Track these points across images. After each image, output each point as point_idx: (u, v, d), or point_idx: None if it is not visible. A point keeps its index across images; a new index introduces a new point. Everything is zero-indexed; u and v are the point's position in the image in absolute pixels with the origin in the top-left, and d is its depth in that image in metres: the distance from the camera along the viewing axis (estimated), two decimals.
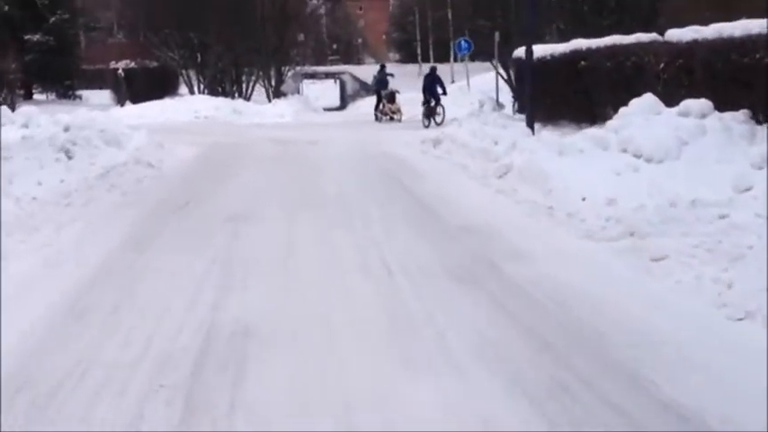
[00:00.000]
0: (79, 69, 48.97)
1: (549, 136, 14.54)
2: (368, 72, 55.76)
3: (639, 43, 16.13)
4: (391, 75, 32.73)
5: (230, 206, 11.42)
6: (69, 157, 14.23)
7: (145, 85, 39.51)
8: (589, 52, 17.91)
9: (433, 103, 28.03)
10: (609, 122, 12.70)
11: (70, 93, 48.58)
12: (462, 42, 34.52)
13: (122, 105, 37.15)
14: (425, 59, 63.07)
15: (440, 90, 28.35)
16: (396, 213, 10.75)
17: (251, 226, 9.94)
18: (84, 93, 48.49)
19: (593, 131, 12.98)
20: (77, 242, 9.13)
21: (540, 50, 21.02)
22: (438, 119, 27.60)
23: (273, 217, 10.56)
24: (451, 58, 58.93)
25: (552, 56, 19.57)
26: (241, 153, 19.95)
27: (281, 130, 28.27)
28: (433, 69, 29.89)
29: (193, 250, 8.59)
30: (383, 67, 33.86)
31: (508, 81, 34.36)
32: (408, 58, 67.05)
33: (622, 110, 12.52)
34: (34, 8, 44.31)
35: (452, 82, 50.01)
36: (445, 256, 8.27)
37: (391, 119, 31.23)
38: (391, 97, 31.43)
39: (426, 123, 27.61)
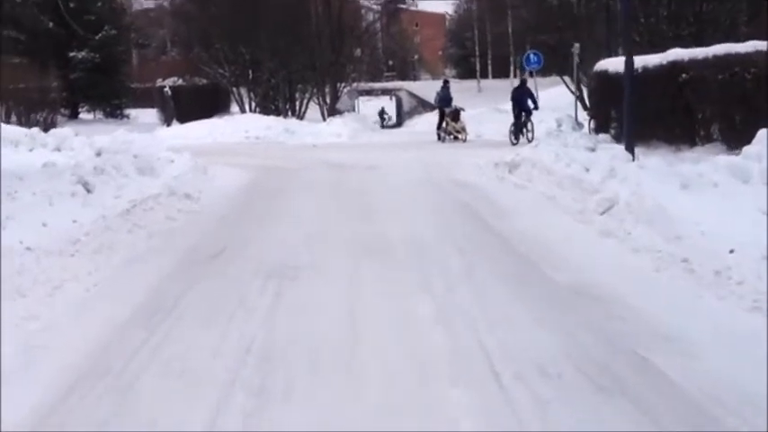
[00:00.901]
0: (127, 88, 47.25)
1: (656, 163, 12.14)
2: (424, 88, 54.24)
3: (759, 52, 13.71)
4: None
5: (275, 255, 9.20)
6: (88, 191, 12.09)
7: (194, 104, 37.65)
8: (693, 64, 15.49)
9: (523, 118, 26.70)
10: (747, 148, 10.25)
11: (118, 112, 46.90)
12: (531, 56, 32.08)
13: (169, 125, 35.30)
14: (483, 75, 61.06)
15: (531, 104, 26.97)
16: (483, 266, 8.44)
17: (299, 288, 7.68)
18: (134, 112, 46.81)
19: (726, 159, 10.55)
20: (70, 315, 6.92)
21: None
22: (529, 135, 25.87)
23: (328, 273, 8.28)
24: (511, 74, 57.04)
25: (644, 68, 17.13)
26: (291, 180, 17.78)
27: (337, 151, 26.10)
28: (524, 82, 28.06)
29: (219, 331, 6.34)
30: (446, 82, 31.56)
31: (579, 97, 31.99)
32: (465, 73, 65.00)
33: (762, 133, 10.07)
34: (80, 24, 42.61)
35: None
36: (569, 342, 5.93)
37: (455, 138, 28.94)
38: (456, 115, 29.12)
39: (515, 140, 26.23)
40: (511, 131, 26.94)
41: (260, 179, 18.23)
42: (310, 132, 31.43)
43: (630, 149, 13.41)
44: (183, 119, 35.69)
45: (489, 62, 63.04)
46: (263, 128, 31.40)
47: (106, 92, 45.75)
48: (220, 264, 8.87)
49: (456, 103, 29.92)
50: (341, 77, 40.60)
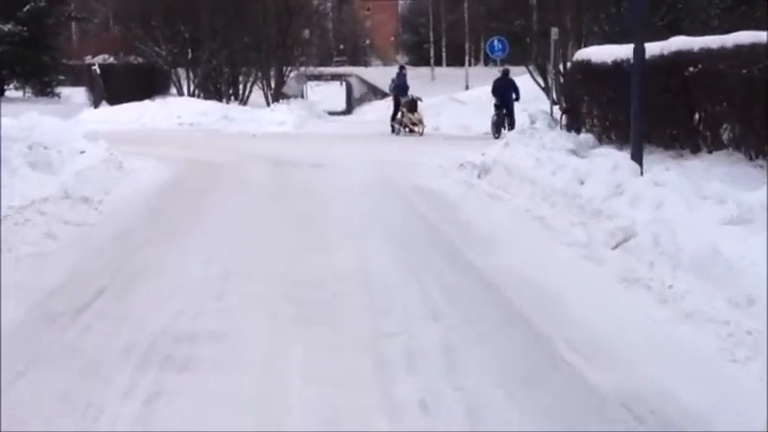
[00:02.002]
0: (59, 64, 43.70)
1: (674, 178, 9.50)
2: (376, 74, 52.52)
3: None
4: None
5: (168, 311, 6.39)
6: None
7: (127, 85, 34.41)
8: (704, 55, 12.87)
9: (505, 111, 25.21)
10: None
11: (48, 90, 43.43)
12: (495, 42, 29.37)
13: (96, 107, 32.15)
14: (438, 63, 58.84)
15: (513, 96, 25.52)
16: (472, 342, 5.72)
17: (186, 393, 4.87)
18: (68, 91, 43.21)
19: None
20: None
21: (613, 53, 16.08)
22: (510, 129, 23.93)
23: (239, 356, 5.48)
24: (466, 62, 54.85)
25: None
26: (220, 181, 14.95)
27: (279, 142, 23.23)
28: (506, 72, 26.02)
29: None
30: (402, 68, 28.74)
31: (545, 89, 29.46)
32: (418, 61, 62.73)
33: None
34: None
35: (467, 89, 45.80)
36: None
37: (411, 131, 26.19)
38: (412, 105, 26.34)
39: (497, 134, 24.46)
40: (493, 124, 25.30)
41: (184, 177, 15.39)
42: (251, 119, 28.47)
43: (638, 159, 10.75)
44: (115, 100, 32.46)
45: (444, 49, 60.94)
46: (199, 113, 28.38)
47: (35, 68, 42.22)
48: (80, 328, 6.02)
49: (411, 91, 27.23)
50: (288, 60, 37.57)
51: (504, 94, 25.09)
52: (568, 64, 30.77)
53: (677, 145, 14.11)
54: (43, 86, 43.63)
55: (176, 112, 28.22)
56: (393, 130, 26.64)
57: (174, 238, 9.45)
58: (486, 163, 15.00)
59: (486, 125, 26.04)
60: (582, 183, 11.00)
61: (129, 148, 19.57)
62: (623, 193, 9.71)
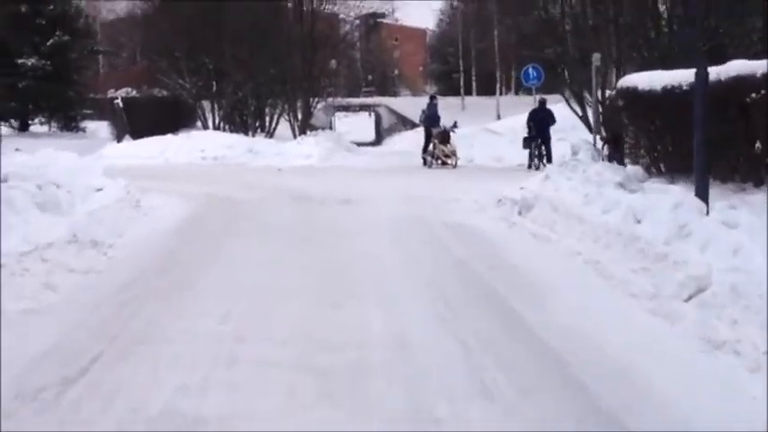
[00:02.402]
0: (83, 98, 43.11)
1: (750, 218, 8.41)
2: (405, 104, 51.72)
3: None
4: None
5: (175, 382, 5.40)
6: None
7: (152, 118, 33.66)
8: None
9: (540, 141, 24.41)
10: None
11: (73, 125, 42.84)
12: (530, 70, 28.36)
13: (119, 141, 31.38)
14: (467, 92, 57.86)
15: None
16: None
17: None
18: (93, 125, 42.74)
19: None
20: None
21: (663, 79, 15.10)
22: (544, 161, 23.65)
23: None
24: (497, 91, 53.94)
25: (692, 87, 13.37)
26: (241, 220, 13.96)
27: (306, 176, 22.28)
28: (543, 102, 24.93)
29: None
30: (433, 98, 27.71)
31: (583, 118, 28.38)
32: (448, 90, 61.72)
33: None
34: (30, 28, 38.77)
35: (498, 118, 44.87)
36: None
37: (443, 163, 25.16)
38: (445, 137, 25.31)
39: (534, 165, 23.82)
40: (531, 156, 24.34)
41: (203, 216, 14.43)
42: (277, 153, 27.53)
43: (703, 195, 9.66)
44: (139, 134, 31.73)
45: (473, 78, 59.92)
46: (223, 147, 27.52)
47: (60, 103, 41.73)
48: (62, 410, 5.01)
49: (443, 122, 26.25)
50: (314, 91, 36.67)
51: (542, 124, 24.05)
52: (607, 91, 29.88)
53: (737, 177, 13.05)
54: (68, 121, 43.17)
55: (200, 146, 27.38)
56: (425, 163, 25.63)
57: (185, 290, 8.44)
58: (528, 198, 13.94)
59: (522, 157, 25.08)
60: (638, 222, 9.91)
61: (150, 183, 18.75)
62: (690, 235, 8.62)
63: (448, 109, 48.22)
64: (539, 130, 24.00)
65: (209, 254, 10.60)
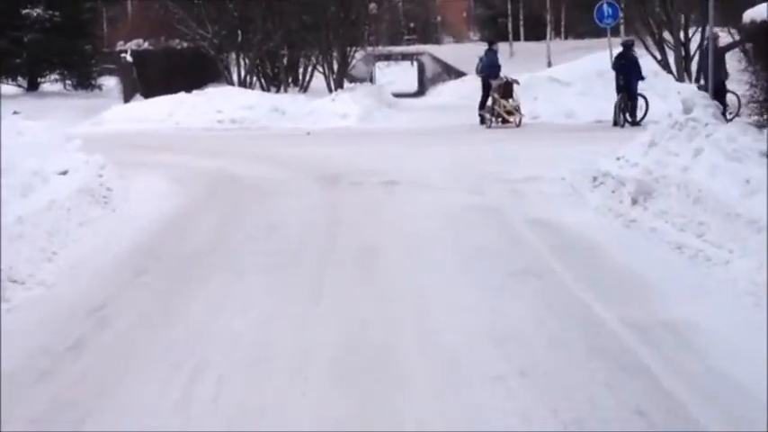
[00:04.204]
0: (97, 52, 39.08)
1: None
2: (449, 52, 48.51)
3: None
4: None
5: None
6: None
7: (169, 74, 29.59)
8: None
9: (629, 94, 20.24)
10: None
11: (87, 82, 38.91)
12: (605, 7, 23.85)
13: (127, 101, 27.40)
14: (516, 38, 53.73)
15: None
16: None
17: None
18: (111, 81, 38.68)
19: None
20: None
21: None
22: (639, 113, 20.04)
23: None
24: (548, 36, 49.78)
25: None
26: (245, 217, 9.99)
27: (339, 144, 18.21)
28: (629, 45, 20.91)
29: None
30: (492, 44, 23.31)
31: (662, 63, 24.12)
32: (493, 36, 57.56)
33: None
34: None
35: (549, 65, 40.71)
36: None
37: (504, 121, 20.97)
38: (507, 89, 20.96)
39: (621, 123, 19.84)
40: (618, 111, 20.00)
41: (191, 215, 10.50)
42: (308, 112, 23.32)
43: None
44: (153, 92, 27.57)
45: (521, 23, 55.83)
46: (243, 107, 23.26)
47: (72, 58, 37.80)
48: None
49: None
50: (352, 40, 32.43)
51: (627, 74, 19.78)
52: (690, 30, 25.56)
53: None
54: (82, 78, 39.16)
55: (216, 107, 23.22)
56: (482, 121, 21.35)
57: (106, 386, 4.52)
58: (645, 182, 9.87)
59: (596, 111, 20.92)
60: None
61: (145, 157, 15.08)
62: None
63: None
64: (625, 77, 19.72)
65: (172, 300, 6.64)
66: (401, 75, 47.64)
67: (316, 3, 30.70)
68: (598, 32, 42.71)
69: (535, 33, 53.75)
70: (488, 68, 21.50)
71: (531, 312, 6.01)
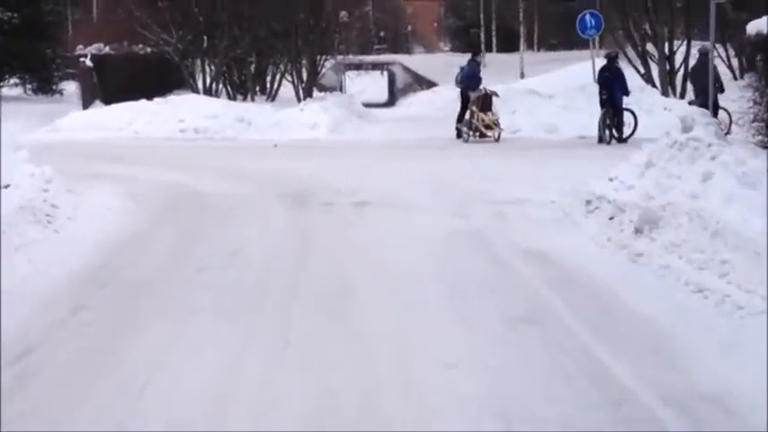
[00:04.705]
0: (59, 56, 37.64)
1: None
2: (421, 63, 48.21)
3: None
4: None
5: None
6: None
7: (131, 80, 28.43)
8: None
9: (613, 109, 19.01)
10: None
11: (48, 87, 37.57)
12: (587, 18, 22.88)
13: (86, 107, 26.13)
14: (488, 49, 53.20)
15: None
16: None
17: None
18: (72, 86, 37.34)
19: None
20: None
21: None
22: (627, 130, 18.87)
23: None
24: (521, 47, 49.42)
25: None
26: (208, 238, 8.90)
27: (307, 157, 17.10)
28: (612, 57, 19.66)
29: None
30: (475, 55, 22.20)
31: (645, 77, 23.26)
32: (465, 47, 57.23)
33: None
34: None
35: (522, 77, 40.13)
36: None
37: (482, 135, 19.92)
38: (485, 102, 19.95)
39: (606, 137, 18.70)
40: (602, 127, 18.83)
41: (148, 233, 9.42)
42: (275, 122, 22.14)
43: None
44: (114, 99, 26.27)
45: (494, 34, 55.39)
46: (207, 116, 22.00)
47: (31, 62, 36.38)
48: None
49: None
50: (322, 47, 31.36)
51: (611, 87, 18.73)
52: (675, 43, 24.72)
53: None
54: (43, 83, 37.82)
55: (179, 116, 21.97)
56: (459, 135, 20.31)
57: None
58: (651, 210, 8.85)
59: (579, 126, 19.96)
60: None
61: (101, 168, 13.95)
62: None
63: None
64: (609, 91, 18.71)
65: (86, 373, 5.53)
66: (371, 84, 46.65)
67: (285, 9, 29.66)
68: (571, 44, 42.20)
69: (507, 45, 53.16)
70: (468, 79, 20.39)
71: (538, 379, 4.93)
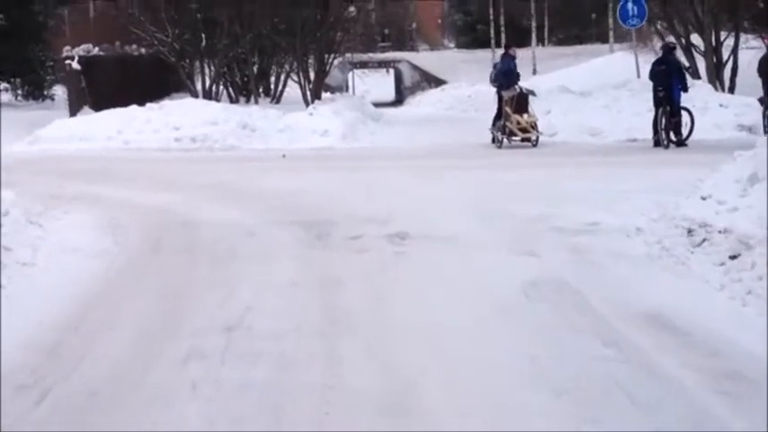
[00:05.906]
0: (50, 59, 35.42)
1: None
2: (429, 60, 47.92)
3: None
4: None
5: None
6: None
7: (124, 83, 26.37)
8: None
9: (671, 108, 16.55)
10: None
11: (38, 92, 35.40)
12: (629, 6, 20.45)
13: (73, 114, 23.79)
14: (497, 45, 51.38)
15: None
16: None
17: None
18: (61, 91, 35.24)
19: None
20: None
21: None
22: (684, 131, 16.54)
23: None
24: (533, 43, 48.25)
25: None
26: (196, 304, 6.52)
27: (323, 170, 14.72)
28: (669, 49, 17.22)
29: None
30: (508, 48, 19.81)
31: (691, 70, 21.00)
32: (471, 43, 55.61)
33: None
34: None
35: (534, 73, 38.31)
36: None
37: (522, 138, 17.52)
38: (521, 103, 17.53)
39: (663, 141, 16.42)
40: (659, 128, 16.57)
41: (117, 291, 7.07)
42: (282, 128, 19.68)
43: None
44: (106, 104, 23.89)
45: (503, 29, 53.41)
46: (206, 122, 19.40)
47: (20, 66, 34.23)
48: None
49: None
50: (330, 46, 29.13)
51: (669, 83, 16.41)
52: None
53: None
54: (33, 87, 35.67)
55: (174, 123, 19.49)
56: (494, 140, 17.92)
57: None
58: (743, 244, 6.60)
59: (623, 128, 17.70)
60: None
61: (79, 189, 11.91)
62: None
63: (475, 63, 41.44)
64: (666, 88, 16.33)
65: None
66: (377, 83, 46.83)
67: (290, 3, 27.42)
68: (581, 39, 39.98)
69: (516, 40, 51.15)
70: (502, 76, 17.91)
71: None
